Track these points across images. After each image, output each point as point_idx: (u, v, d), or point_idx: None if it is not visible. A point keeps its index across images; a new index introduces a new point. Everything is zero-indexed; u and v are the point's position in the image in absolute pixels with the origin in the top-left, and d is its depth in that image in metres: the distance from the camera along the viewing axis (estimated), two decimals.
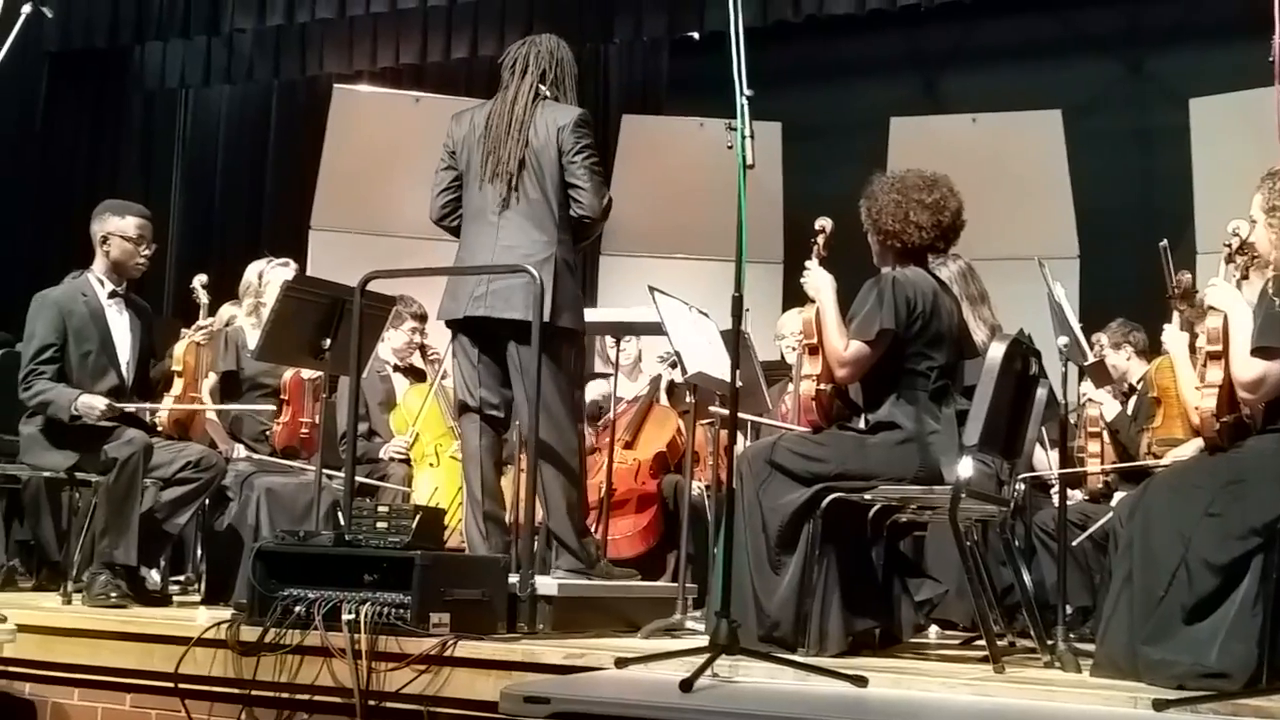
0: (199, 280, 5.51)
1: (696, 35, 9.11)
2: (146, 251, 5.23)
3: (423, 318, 6.16)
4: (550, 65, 4.64)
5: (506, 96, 4.59)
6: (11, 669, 4.17)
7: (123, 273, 5.20)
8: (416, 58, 9.27)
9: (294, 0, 8.75)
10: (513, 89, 4.60)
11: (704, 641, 3.56)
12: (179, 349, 5.31)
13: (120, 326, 5.18)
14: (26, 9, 4.59)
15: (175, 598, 5.33)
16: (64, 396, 4.92)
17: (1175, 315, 4.35)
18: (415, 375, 6.29)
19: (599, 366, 6.59)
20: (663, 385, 6.43)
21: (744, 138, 3.58)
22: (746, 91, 3.62)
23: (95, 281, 5.17)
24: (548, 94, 4.60)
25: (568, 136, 4.49)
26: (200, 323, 5.39)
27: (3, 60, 4.49)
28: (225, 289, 6.11)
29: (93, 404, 4.89)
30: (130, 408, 4.98)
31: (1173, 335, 4.18)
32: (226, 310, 5.93)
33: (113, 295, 5.17)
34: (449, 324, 4.64)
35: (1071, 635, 4.41)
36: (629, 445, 6.19)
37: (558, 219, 4.49)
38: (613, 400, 5.78)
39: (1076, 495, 5.66)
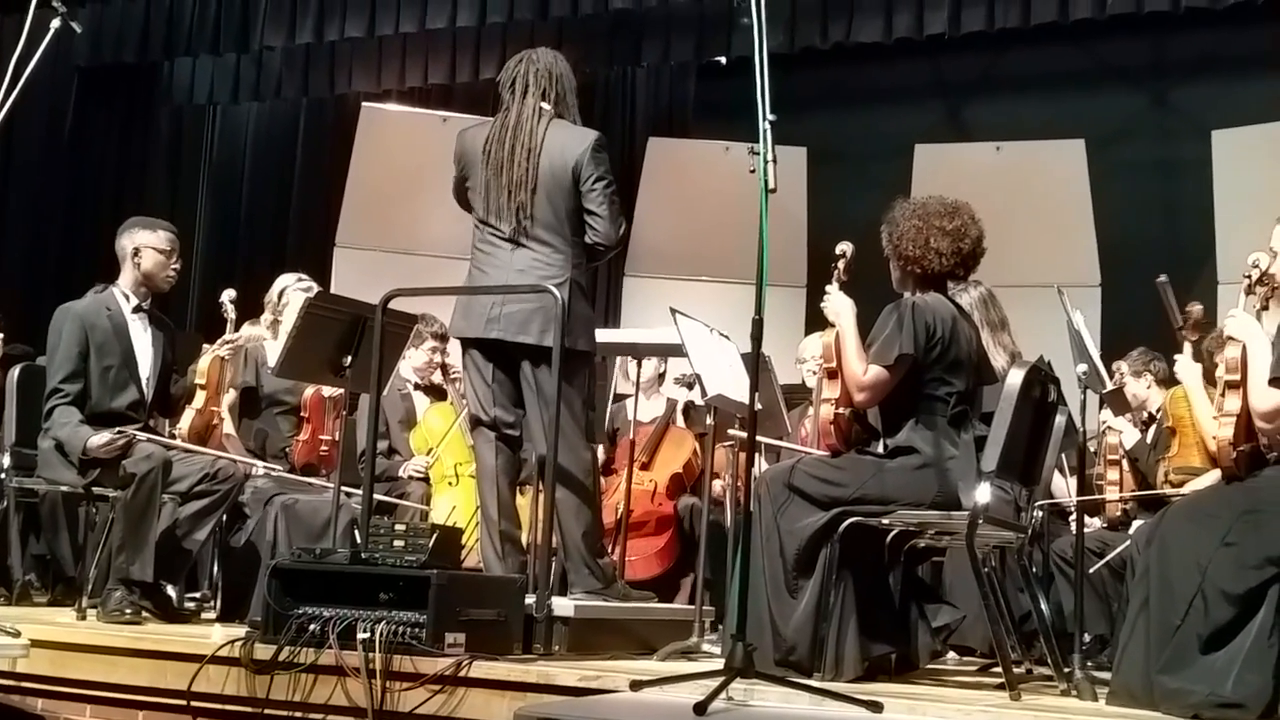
0: (227, 295, 5.54)
1: (723, 60, 9.16)
2: (175, 264, 5.28)
3: (444, 337, 6.16)
4: (550, 83, 4.58)
5: (508, 119, 4.54)
6: (24, 684, 4.14)
7: (153, 285, 5.23)
8: (445, 78, 9.32)
9: (323, 19, 8.81)
10: (514, 111, 4.55)
11: (720, 664, 3.56)
12: (202, 362, 5.33)
13: (143, 341, 5.20)
14: (55, 24, 4.62)
15: (192, 614, 5.34)
16: (75, 439, 4.93)
17: (1187, 346, 4.35)
18: (436, 394, 6.31)
19: (621, 387, 6.59)
20: (679, 408, 6.43)
21: (766, 161, 3.59)
22: (769, 116, 3.62)
23: (120, 296, 5.19)
24: (553, 112, 4.55)
25: (586, 163, 4.46)
26: (226, 337, 5.42)
27: (32, 74, 4.53)
28: (250, 304, 6.14)
29: (101, 444, 4.90)
30: (142, 436, 4.99)
31: (1185, 366, 4.18)
32: (247, 329, 5.96)
33: (137, 310, 5.20)
34: (461, 340, 4.64)
35: (1089, 663, 4.40)
36: (645, 466, 6.19)
37: (571, 241, 4.49)
38: (632, 421, 5.78)
39: (1095, 523, 5.64)
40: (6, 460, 5.49)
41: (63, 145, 9.23)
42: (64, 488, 5.16)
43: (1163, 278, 4.45)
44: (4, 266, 8.80)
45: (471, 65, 9.14)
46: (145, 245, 5.19)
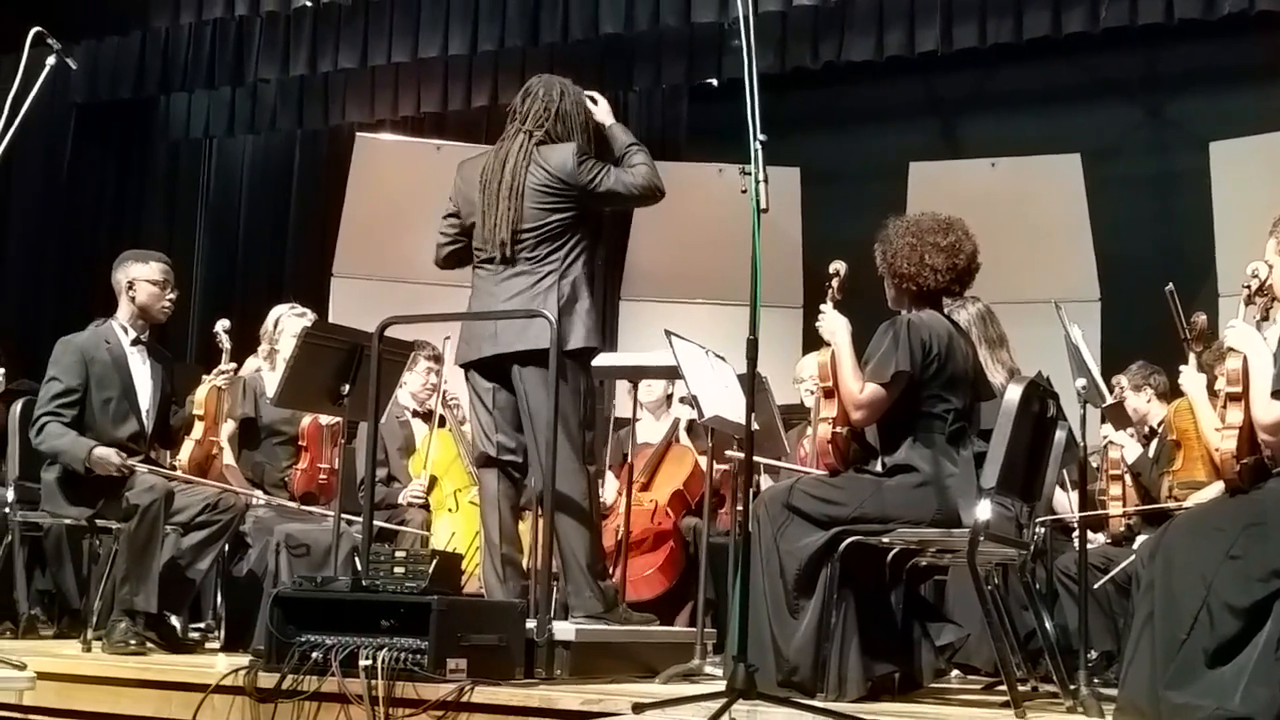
0: (221, 325, 5.55)
1: (715, 82, 9.17)
2: (171, 295, 5.29)
3: (438, 358, 6.18)
4: (553, 119, 4.60)
5: (500, 153, 4.59)
6: (31, 716, 4.15)
7: (149, 317, 5.25)
8: (438, 106, 9.34)
9: (317, 50, 8.83)
10: (505, 146, 4.60)
11: (722, 686, 3.55)
12: (200, 393, 5.33)
13: (142, 374, 5.22)
14: (51, 61, 4.64)
15: (196, 644, 5.33)
16: (78, 447, 4.94)
17: (1192, 357, 4.34)
18: (437, 421, 6.29)
19: (625, 410, 6.58)
20: (682, 425, 6.43)
21: (758, 182, 3.60)
22: (761, 136, 3.64)
23: (119, 329, 5.21)
24: (540, 139, 4.57)
25: (572, 172, 4.47)
26: (221, 367, 5.42)
27: (29, 111, 4.54)
28: (248, 335, 6.15)
29: (108, 458, 4.91)
30: (142, 468, 4.99)
31: (1190, 377, 4.17)
32: (251, 362, 5.97)
33: (135, 343, 5.22)
34: (464, 368, 4.65)
35: (1095, 680, 4.38)
36: (645, 487, 6.18)
37: (563, 254, 4.49)
38: (632, 443, 5.78)
39: (1099, 539, 5.63)
40: (10, 494, 5.50)
41: (60, 181, 9.24)
42: (68, 521, 5.18)
43: (1170, 287, 4.45)
44: (3, 302, 8.81)
45: (464, 93, 9.16)
46: (139, 278, 5.21)
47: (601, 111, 4.73)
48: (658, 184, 4.63)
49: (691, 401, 4.74)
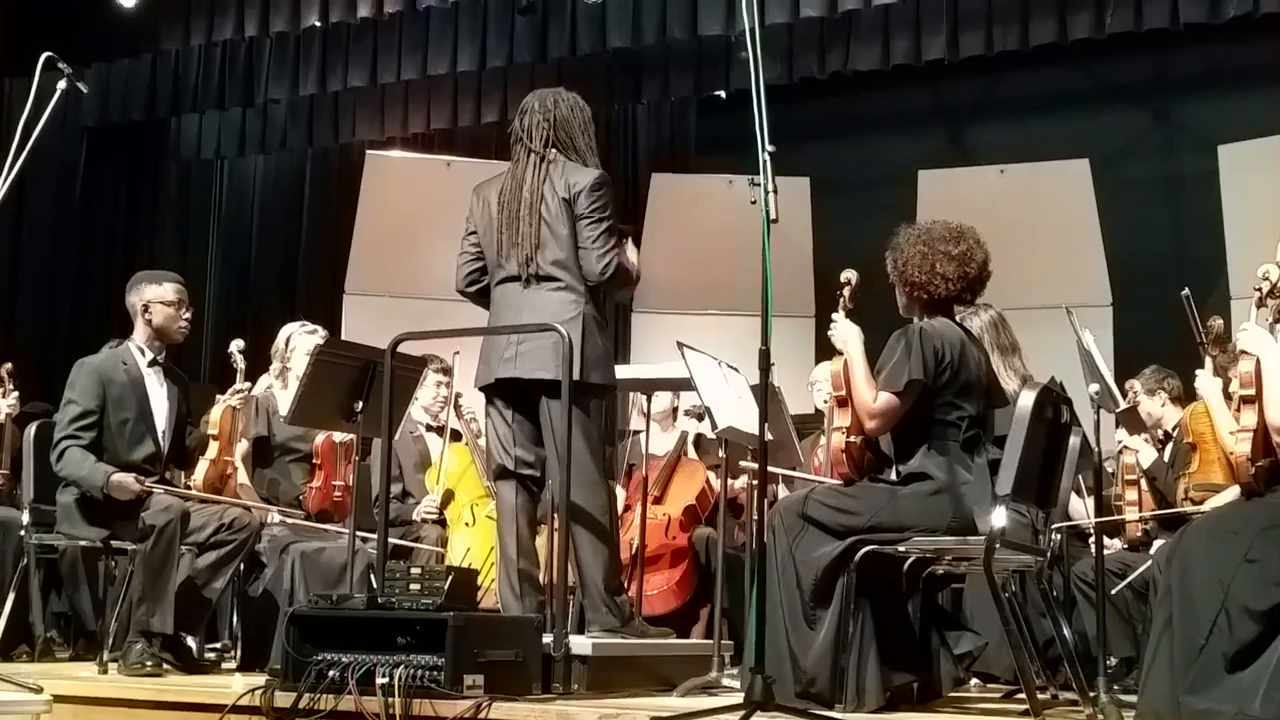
0: (236, 345, 5.56)
1: (723, 94, 9.19)
2: (186, 315, 5.29)
3: (447, 371, 6.19)
4: (553, 128, 4.60)
5: (516, 174, 4.59)
6: None
7: (165, 338, 5.26)
8: (447, 123, 9.37)
9: (326, 69, 8.88)
10: (520, 166, 4.60)
11: (740, 699, 3.54)
12: (215, 413, 5.35)
13: (158, 395, 5.22)
14: (62, 85, 4.66)
15: (212, 664, 5.33)
16: (96, 474, 4.95)
17: (1208, 361, 4.33)
18: (451, 434, 6.30)
19: (635, 423, 6.59)
20: (689, 440, 6.42)
21: (767, 192, 3.60)
22: (769, 147, 3.64)
23: (135, 351, 5.22)
24: (558, 157, 4.58)
25: (583, 200, 4.48)
26: (236, 386, 5.43)
27: (41, 135, 4.57)
28: (262, 354, 6.16)
29: (126, 484, 4.93)
30: (159, 489, 5.00)
31: (1206, 381, 4.15)
32: (263, 380, 5.98)
33: (152, 364, 5.23)
34: (483, 389, 4.65)
35: (1115, 687, 4.36)
36: (658, 500, 6.18)
37: (582, 278, 4.51)
38: (644, 456, 5.78)
39: (1115, 544, 5.61)
40: (26, 517, 5.50)
41: (73, 204, 9.29)
42: (83, 543, 5.18)
43: (1186, 291, 4.44)
44: (18, 325, 8.84)
45: (473, 109, 9.20)
46: (153, 300, 5.22)
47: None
48: (635, 277, 4.67)
49: (705, 413, 4.74)
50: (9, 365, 6.15)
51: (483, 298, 4.69)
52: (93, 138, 9.39)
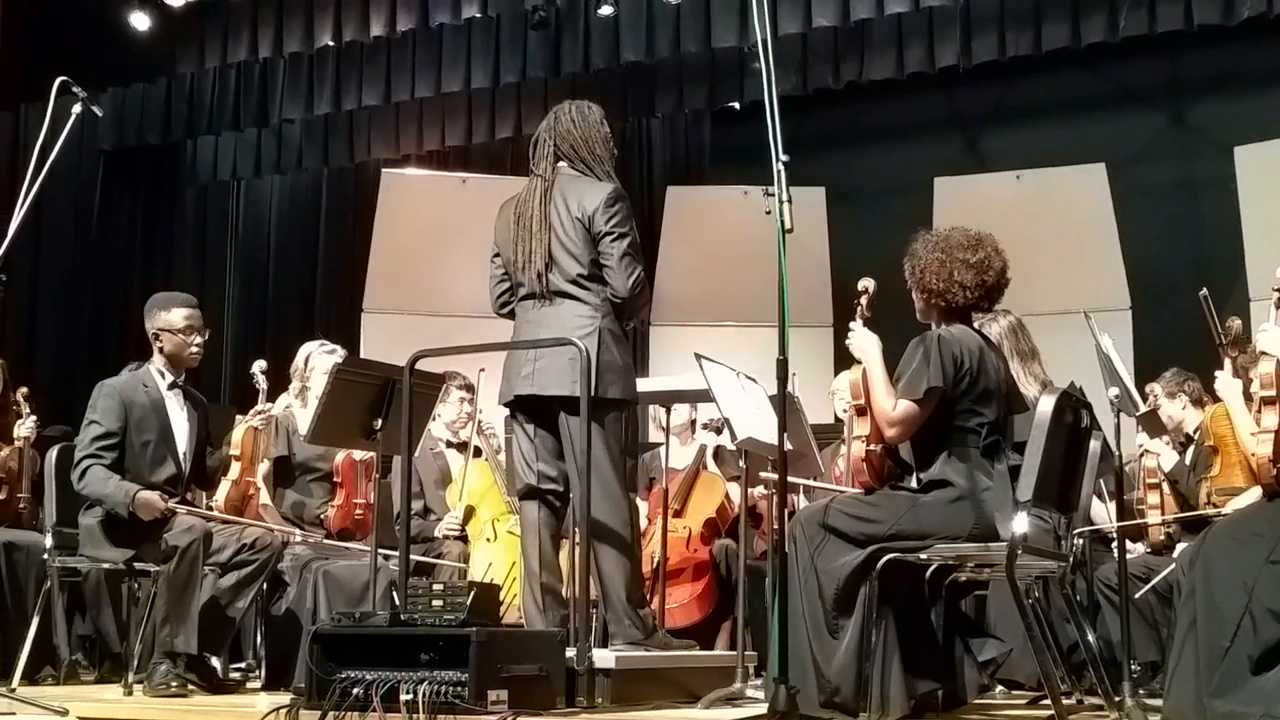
0: (258, 366, 5.58)
1: (737, 105, 9.20)
2: (199, 339, 5.27)
3: (470, 388, 6.21)
4: (569, 143, 4.62)
5: (531, 187, 4.61)
6: None
7: (178, 364, 5.27)
8: (462, 139, 9.40)
9: (340, 89, 8.91)
10: (536, 182, 4.62)
11: (764, 709, 3.53)
12: (236, 434, 5.37)
13: (179, 418, 5.24)
14: (77, 109, 4.68)
15: (237, 684, 5.34)
16: (121, 491, 4.96)
17: (1227, 362, 4.31)
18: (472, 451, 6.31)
19: (653, 435, 6.59)
20: (709, 453, 6.42)
21: (782, 203, 3.60)
22: (783, 157, 3.64)
23: (155, 373, 5.23)
24: (573, 171, 4.60)
25: (598, 217, 4.48)
26: (258, 407, 5.45)
27: (57, 159, 4.60)
28: (281, 374, 6.18)
29: (152, 502, 4.94)
30: (182, 510, 5.02)
31: (1226, 382, 4.13)
32: (283, 400, 6.00)
33: (172, 387, 5.24)
34: (506, 406, 4.66)
35: (1140, 691, 4.34)
36: (678, 513, 6.17)
37: (598, 292, 4.52)
38: (664, 469, 5.78)
39: (1138, 548, 5.59)
40: (49, 540, 5.51)
41: (90, 228, 9.33)
42: (107, 565, 5.19)
43: (1204, 292, 4.42)
44: (37, 349, 8.88)
45: (488, 126, 9.22)
46: (162, 329, 5.21)
47: None
48: (645, 298, 4.64)
49: (724, 424, 4.74)
50: (25, 389, 6.18)
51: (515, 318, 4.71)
52: (109, 161, 9.44)
